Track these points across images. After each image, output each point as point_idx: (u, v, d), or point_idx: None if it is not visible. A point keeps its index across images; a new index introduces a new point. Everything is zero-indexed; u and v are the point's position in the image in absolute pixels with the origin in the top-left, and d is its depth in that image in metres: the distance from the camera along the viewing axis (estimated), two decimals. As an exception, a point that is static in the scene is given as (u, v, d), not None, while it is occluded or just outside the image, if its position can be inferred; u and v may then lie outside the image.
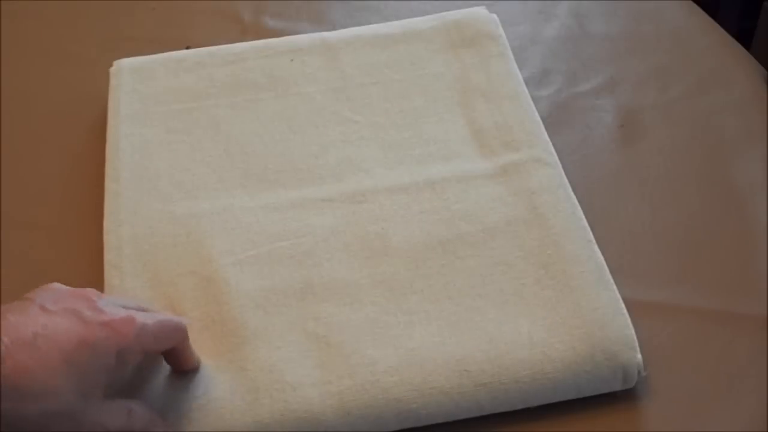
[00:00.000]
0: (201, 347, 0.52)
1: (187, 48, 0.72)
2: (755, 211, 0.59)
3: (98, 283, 0.56)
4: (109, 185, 0.61)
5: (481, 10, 0.72)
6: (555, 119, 0.66)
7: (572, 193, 0.58)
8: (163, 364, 0.51)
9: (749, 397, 0.50)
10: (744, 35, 0.84)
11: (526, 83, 0.67)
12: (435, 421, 0.50)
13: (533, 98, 0.66)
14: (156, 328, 0.46)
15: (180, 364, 0.50)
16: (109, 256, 0.57)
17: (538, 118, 0.64)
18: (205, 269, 0.56)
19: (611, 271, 0.54)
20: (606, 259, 0.55)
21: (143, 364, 0.51)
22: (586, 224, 0.57)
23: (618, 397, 0.51)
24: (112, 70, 0.69)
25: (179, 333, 0.48)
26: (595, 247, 0.55)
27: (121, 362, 0.44)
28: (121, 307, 0.46)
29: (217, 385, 0.50)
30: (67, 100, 0.71)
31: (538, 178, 0.59)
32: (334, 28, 0.73)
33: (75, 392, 0.41)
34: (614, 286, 0.53)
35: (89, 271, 0.58)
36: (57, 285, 0.46)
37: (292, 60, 0.69)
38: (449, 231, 0.57)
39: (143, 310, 0.49)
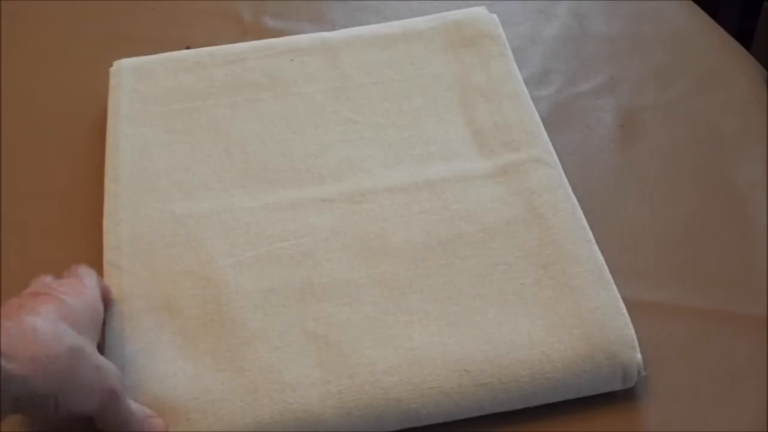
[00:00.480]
0: (200, 347, 0.52)
1: (187, 48, 0.72)
2: (755, 211, 0.59)
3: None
4: (109, 185, 0.61)
5: (481, 10, 0.72)
6: (555, 119, 0.66)
7: (572, 193, 0.58)
8: (160, 362, 0.51)
9: (749, 397, 0.50)
10: (744, 35, 0.84)
11: (526, 83, 0.67)
12: (435, 421, 0.50)
13: (533, 98, 0.65)
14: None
15: None
16: (108, 255, 0.57)
17: (538, 118, 0.64)
18: (204, 269, 0.56)
19: (611, 271, 0.54)
20: (606, 259, 0.55)
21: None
22: (586, 224, 0.57)
23: (618, 397, 0.51)
24: (112, 70, 0.69)
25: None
26: (595, 247, 0.55)
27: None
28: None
29: (217, 386, 0.50)
30: (67, 100, 0.71)
31: (538, 178, 0.59)
32: (334, 28, 0.73)
33: (76, 335, 0.45)
34: (614, 286, 0.53)
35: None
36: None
37: (292, 60, 0.69)
38: (449, 231, 0.57)
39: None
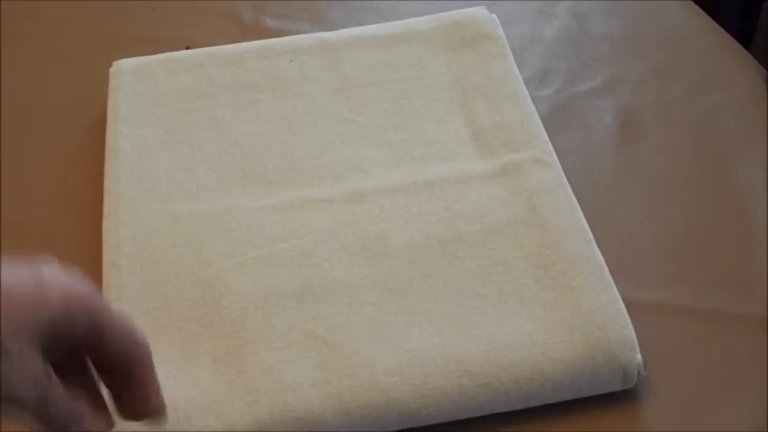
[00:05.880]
0: (200, 348, 0.52)
1: (187, 48, 0.72)
2: (755, 212, 0.59)
3: (97, 282, 0.56)
4: (109, 185, 0.61)
5: (480, 11, 0.72)
6: (555, 119, 0.66)
7: (572, 194, 0.58)
8: (160, 362, 0.51)
9: (749, 397, 0.50)
10: (744, 35, 0.84)
11: (526, 83, 0.67)
12: (435, 422, 0.50)
13: (533, 98, 0.65)
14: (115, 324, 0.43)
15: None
16: (107, 255, 0.57)
17: (538, 119, 0.64)
18: (204, 271, 0.56)
19: (611, 271, 0.54)
20: (606, 259, 0.55)
21: None
22: (586, 224, 0.57)
23: (618, 397, 0.51)
24: (112, 70, 0.69)
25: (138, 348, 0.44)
26: (595, 247, 0.55)
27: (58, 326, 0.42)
28: None
29: (217, 386, 0.50)
30: (67, 100, 0.71)
31: (538, 178, 0.59)
32: (334, 28, 0.73)
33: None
34: (614, 286, 0.53)
35: (88, 270, 0.57)
36: None
37: (291, 60, 0.69)
38: (449, 231, 0.57)
39: None
